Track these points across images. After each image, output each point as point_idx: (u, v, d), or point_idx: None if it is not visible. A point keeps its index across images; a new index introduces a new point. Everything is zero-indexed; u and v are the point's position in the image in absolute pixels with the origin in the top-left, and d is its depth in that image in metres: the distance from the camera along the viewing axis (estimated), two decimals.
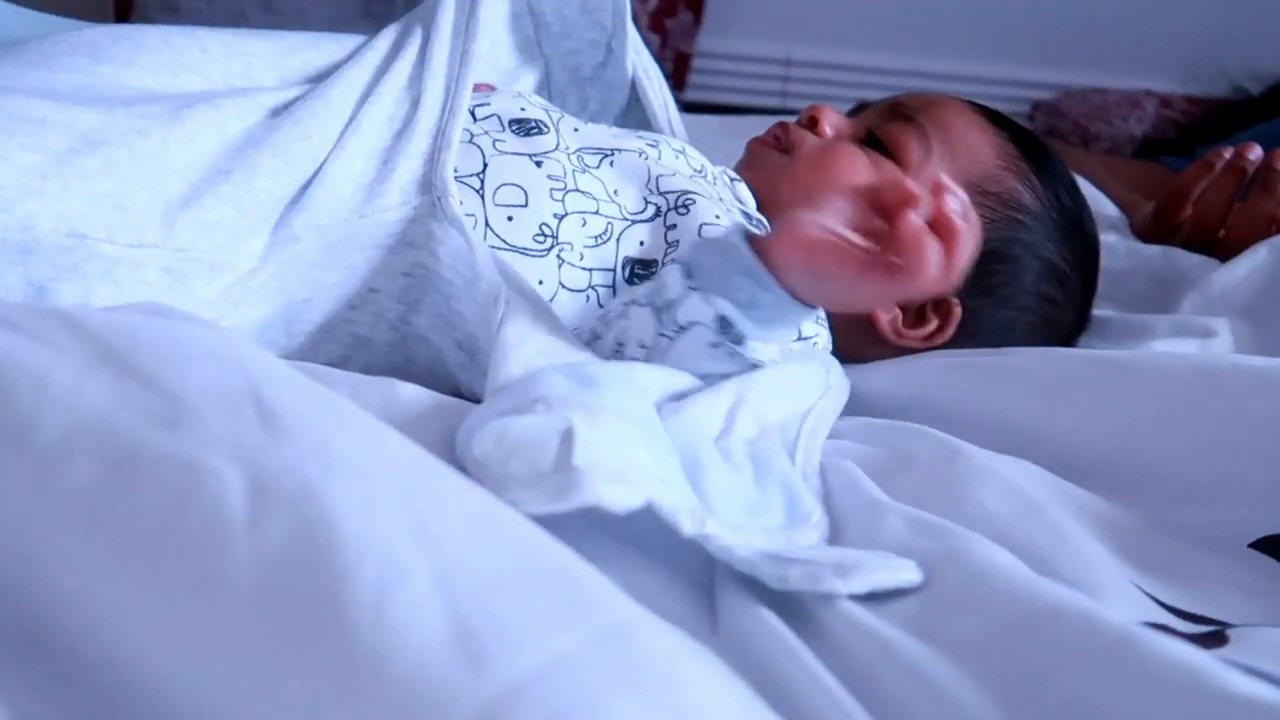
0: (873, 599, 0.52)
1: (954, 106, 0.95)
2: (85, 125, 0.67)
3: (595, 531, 0.55)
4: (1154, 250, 1.21)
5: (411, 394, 0.62)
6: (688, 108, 2.26)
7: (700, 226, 0.80)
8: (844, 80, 2.36)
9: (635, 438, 0.53)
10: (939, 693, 0.46)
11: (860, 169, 0.90)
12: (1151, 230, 1.30)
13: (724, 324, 0.68)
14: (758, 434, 0.66)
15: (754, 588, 0.53)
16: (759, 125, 1.13)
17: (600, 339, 0.73)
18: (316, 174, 0.73)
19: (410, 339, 0.78)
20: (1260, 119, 1.73)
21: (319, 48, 0.84)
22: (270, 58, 0.81)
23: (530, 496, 0.49)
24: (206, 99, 0.73)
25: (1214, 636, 0.54)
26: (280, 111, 0.76)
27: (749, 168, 0.94)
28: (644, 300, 0.71)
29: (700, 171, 0.89)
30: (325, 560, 0.37)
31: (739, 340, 0.68)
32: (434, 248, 0.75)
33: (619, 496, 0.48)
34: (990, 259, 0.90)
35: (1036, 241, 0.92)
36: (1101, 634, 0.47)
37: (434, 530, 0.39)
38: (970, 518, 0.62)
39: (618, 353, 0.72)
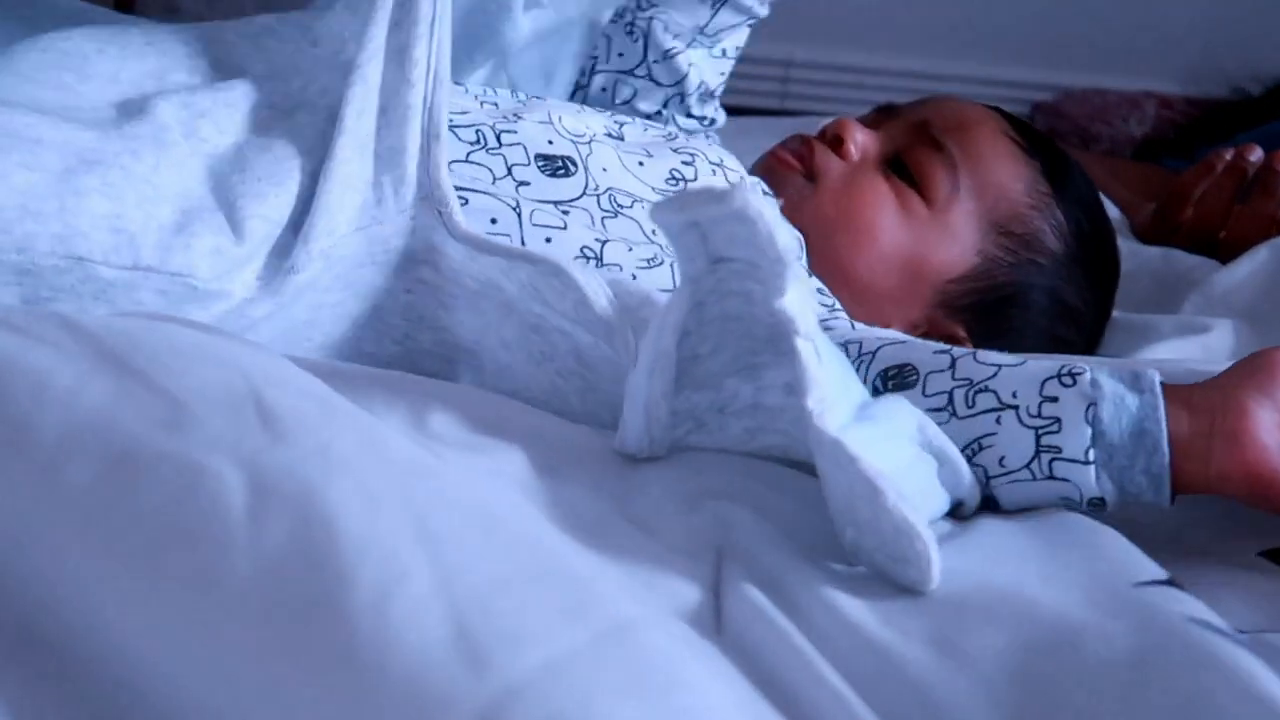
0: (886, 607, 0.53)
1: (986, 131, 0.91)
2: (80, 144, 0.67)
3: (610, 522, 0.55)
4: (1155, 252, 1.21)
5: (439, 392, 0.63)
6: None
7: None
8: (845, 82, 2.36)
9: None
10: (950, 712, 0.46)
11: (886, 205, 0.87)
12: (1152, 231, 1.30)
13: (1094, 507, 0.63)
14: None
15: (762, 587, 0.53)
16: (760, 126, 1.13)
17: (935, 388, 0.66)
18: (313, 195, 0.71)
19: (416, 353, 0.76)
20: (1261, 120, 1.73)
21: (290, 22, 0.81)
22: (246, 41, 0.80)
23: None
24: (184, 123, 0.71)
25: None
26: (270, 110, 0.74)
27: (770, 184, 0.89)
28: (1027, 418, 0.63)
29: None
30: (326, 561, 0.37)
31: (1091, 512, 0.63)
32: (436, 261, 0.73)
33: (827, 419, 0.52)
34: (1006, 303, 0.88)
35: (1054, 285, 0.90)
36: (1117, 652, 0.47)
37: (434, 530, 0.39)
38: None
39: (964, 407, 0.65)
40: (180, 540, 0.39)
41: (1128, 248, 1.23)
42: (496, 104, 0.83)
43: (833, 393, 0.56)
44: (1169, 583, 0.53)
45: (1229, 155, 1.24)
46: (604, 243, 0.76)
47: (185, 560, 0.38)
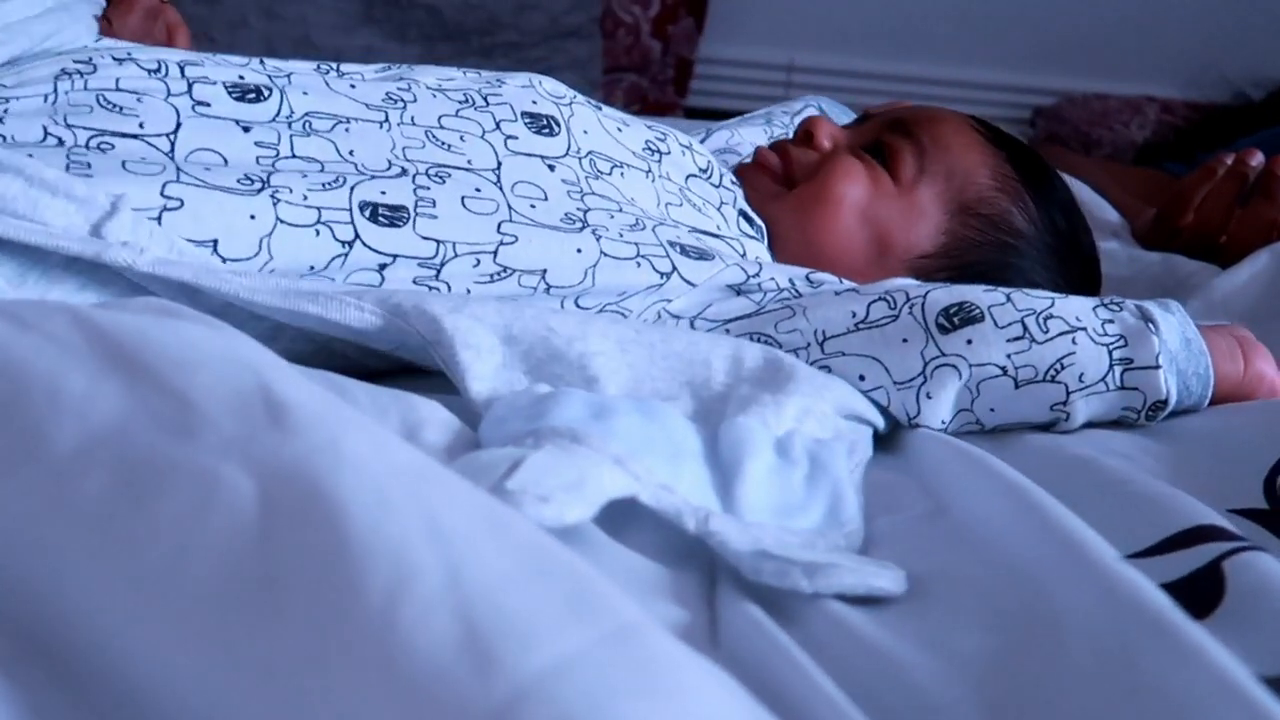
0: (881, 611, 0.53)
1: (953, 124, 0.95)
2: None
3: (601, 540, 0.55)
4: (1155, 257, 1.22)
5: (429, 410, 0.63)
6: (690, 113, 2.27)
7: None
8: (846, 86, 2.36)
9: (603, 461, 0.56)
10: (944, 712, 0.47)
11: (856, 178, 0.91)
12: (1153, 236, 1.31)
13: (1153, 414, 0.76)
14: (829, 436, 0.67)
15: (756, 598, 0.53)
16: None
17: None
18: None
19: None
20: (1261, 125, 1.73)
21: None
22: None
23: None
24: None
25: (1212, 576, 0.55)
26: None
27: (744, 184, 0.95)
28: (1096, 337, 0.74)
29: (705, 170, 0.90)
30: (335, 567, 0.37)
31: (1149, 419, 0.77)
32: None
33: (546, 514, 0.50)
34: (980, 281, 0.90)
35: (1028, 266, 0.92)
36: (1107, 652, 0.47)
37: (444, 528, 0.39)
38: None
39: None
40: (196, 554, 0.39)
41: (1128, 253, 1.23)
42: (480, 72, 0.88)
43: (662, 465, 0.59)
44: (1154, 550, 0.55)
45: (1230, 160, 1.24)
46: (585, 211, 0.79)
47: (201, 574, 0.38)
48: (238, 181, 0.71)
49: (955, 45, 2.44)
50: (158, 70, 0.76)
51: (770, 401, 0.67)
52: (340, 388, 0.60)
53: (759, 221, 0.91)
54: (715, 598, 0.55)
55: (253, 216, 0.71)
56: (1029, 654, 0.49)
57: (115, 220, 0.67)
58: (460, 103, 0.82)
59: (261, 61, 0.81)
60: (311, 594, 0.37)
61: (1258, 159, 1.22)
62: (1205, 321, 1.03)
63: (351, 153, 0.76)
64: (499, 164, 0.79)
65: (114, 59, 0.76)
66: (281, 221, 0.71)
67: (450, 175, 0.77)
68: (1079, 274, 0.96)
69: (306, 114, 0.77)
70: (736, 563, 0.54)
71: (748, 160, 0.99)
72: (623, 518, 0.56)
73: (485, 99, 0.83)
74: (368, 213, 0.73)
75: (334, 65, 0.84)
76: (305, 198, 0.72)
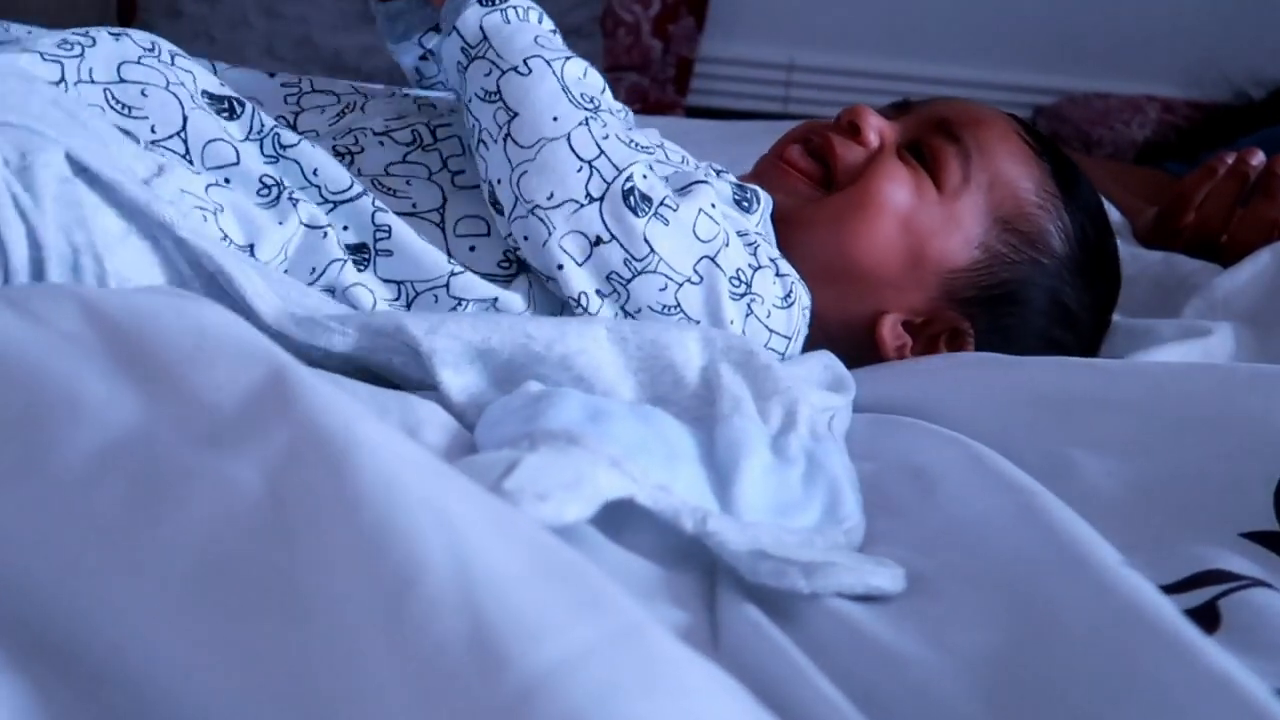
0: (881, 608, 0.53)
1: (999, 129, 0.91)
2: None
3: (599, 542, 0.55)
4: (1156, 256, 1.22)
5: (428, 411, 0.63)
6: (690, 113, 2.27)
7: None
8: (846, 85, 2.36)
9: (599, 462, 0.56)
10: (944, 708, 0.47)
11: (901, 184, 0.87)
12: (1154, 235, 1.31)
13: None
14: (822, 435, 0.68)
15: (756, 599, 0.53)
16: (762, 130, 1.13)
17: None
18: None
19: None
20: (1263, 124, 1.73)
21: None
22: None
23: None
24: None
25: (1208, 613, 0.55)
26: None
27: (772, 186, 0.90)
28: None
29: (682, 163, 0.90)
30: (347, 562, 0.37)
31: None
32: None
33: (544, 512, 0.51)
34: (1006, 300, 0.89)
35: (1055, 286, 0.90)
36: (1112, 649, 0.47)
37: (453, 521, 0.39)
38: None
39: None
40: (213, 562, 0.39)
41: (1129, 252, 1.23)
42: (434, 105, 0.86)
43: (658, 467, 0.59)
44: None
45: (1231, 159, 1.24)
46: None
47: (220, 583, 0.38)
48: (258, 193, 0.73)
49: (956, 44, 2.44)
50: (151, 50, 0.76)
51: (760, 398, 0.68)
52: (341, 387, 0.60)
53: (751, 188, 0.88)
54: (715, 599, 0.55)
55: (280, 223, 0.72)
56: (1030, 651, 0.49)
57: (162, 179, 0.69)
58: (408, 144, 0.81)
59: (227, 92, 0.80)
60: (323, 593, 0.37)
61: (1259, 158, 1.22)
62: (1205, 320, 1.03)
63: (315, 172, 0.76)
64: (444, 200, 0.78)
65: (110, 34, 0.76)
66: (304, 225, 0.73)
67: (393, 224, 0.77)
68: (1101, 292, 0.95)
69: (275, 127, 0.77)
70: (734, 563, 0.54)
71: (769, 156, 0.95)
72: (620, 520, 0.56)
73: (433, 133, 0.82)
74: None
75: (292, 116, 0.83)
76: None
